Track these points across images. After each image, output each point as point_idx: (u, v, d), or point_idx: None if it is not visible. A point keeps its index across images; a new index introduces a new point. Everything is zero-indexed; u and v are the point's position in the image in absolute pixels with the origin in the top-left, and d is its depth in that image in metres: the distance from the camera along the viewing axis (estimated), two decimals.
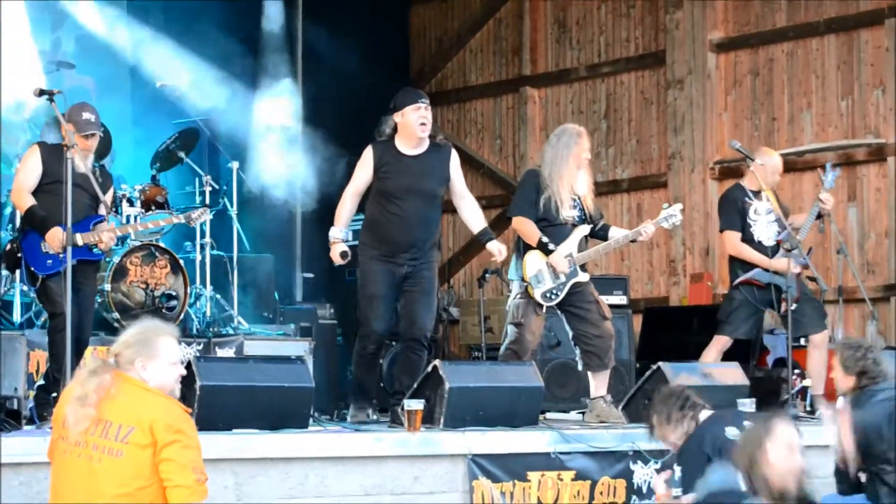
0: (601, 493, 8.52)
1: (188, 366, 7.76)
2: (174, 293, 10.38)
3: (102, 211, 8.83)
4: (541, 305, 9.41)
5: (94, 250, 8.74)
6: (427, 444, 8.03)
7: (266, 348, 10.08)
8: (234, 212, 11.18)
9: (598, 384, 9.54)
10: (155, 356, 5.42)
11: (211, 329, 10.67)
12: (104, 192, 8.82)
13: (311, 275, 13.76)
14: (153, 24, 13.06)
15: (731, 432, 6.45)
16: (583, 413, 9.86)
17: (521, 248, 9.53)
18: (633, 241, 9.71)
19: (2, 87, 11.20)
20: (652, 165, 14.29)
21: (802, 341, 10.40)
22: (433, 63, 16.18)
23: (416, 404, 8.17)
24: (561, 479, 8.38)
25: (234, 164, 11.36)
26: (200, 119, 11.69)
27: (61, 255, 8.44)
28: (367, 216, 9.20)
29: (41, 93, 8.44)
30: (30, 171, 8.61)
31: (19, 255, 8.64)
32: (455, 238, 15.74)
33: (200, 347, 9.85)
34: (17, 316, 9.98)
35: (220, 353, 9.87)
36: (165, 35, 13.05)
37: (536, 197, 9.42)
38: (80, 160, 8.54)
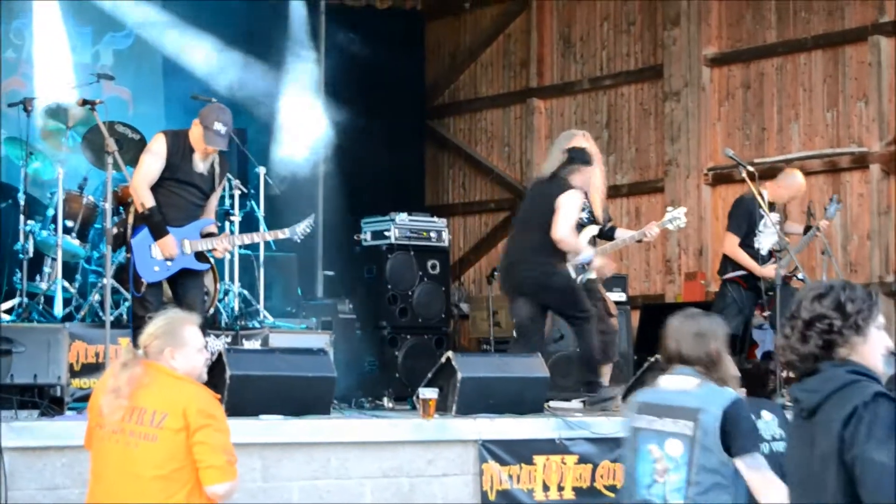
0: (602, 476, 8.54)
1: (219, 357, 7.81)
2: (205, 289, 10.40)
3: (209, 215, 8.69)
4: None
5: (204, 257, 8.62)
6: (440, 430, 8.07)
7: (290, 341, 10.06)
8: (261, 213, 11.19)
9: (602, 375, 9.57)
10: (182, 345, 5.38)
11: (239, 322, 10.68)
12: (220, 183, 8.65)
13: (331, 272, 13.78)
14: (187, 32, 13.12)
15: None
16: (584, 402, 9.88)
17: None
18: (639, 241, 9.75)
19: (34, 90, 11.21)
20: (650, 172, 14.30)
21: None
22: (447, 75, 16.20)
23: (431, 393, 8.21)
24: (564, 463, 8.41)
25: (262, 170, 11.36)
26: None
27: (169, 263, 8.41)
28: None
29: (84, 102, 8.43)
30: (153, 162, 8.33)
31: (128, 244, 8.47)
32: (465, 238, 15.78)
33: (229, 340, 9.86)
34: (58, 309, 10.01)
35: (248, 345, 9.85)
36: (194, 46, 13.12)
37: None
38: (200, 160, 8.46)
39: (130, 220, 8.53)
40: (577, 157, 9.55)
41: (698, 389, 5.16)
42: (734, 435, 5.01)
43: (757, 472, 4.99)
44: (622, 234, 9.71)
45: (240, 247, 11.02)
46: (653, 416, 5.21)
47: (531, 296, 9.39)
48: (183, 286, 8.57)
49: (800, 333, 3.94)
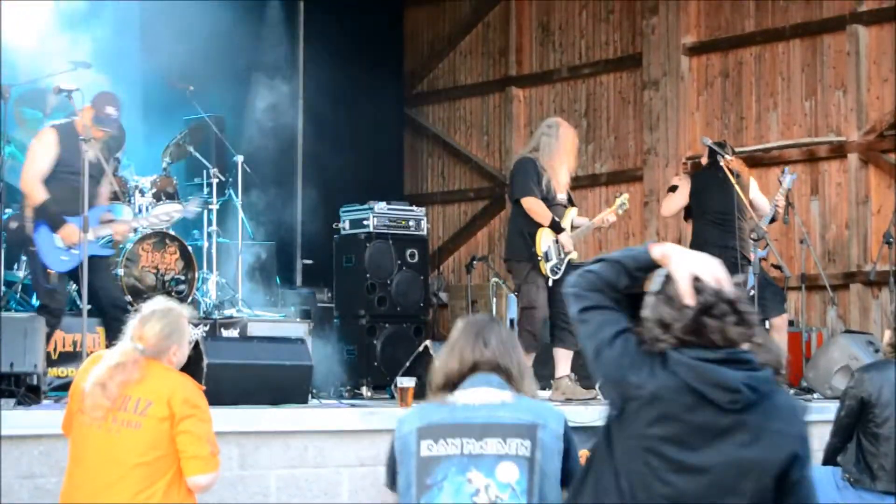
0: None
1: (196, 345, 7.82)
2: (183, 278, 10.42)
3: (103, 201, 8.70)
4: (546, 281, 9.42)
5: (103, 243, 8.67)
6: None
7: (268, 329, 10.09)
8: (239, 202, 11.19)
9: (564, 364, 9.57)
10: (183, 338, 5.42)
11: (217, 311, 10.70)
12: (109, 165, 8.69)
13: (310, 261, 13.78)
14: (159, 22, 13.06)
15: None
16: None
17: (522, 230, 9.52)
18: (598, 228, 10.03)
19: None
20: (629, 161, 14.34)
21: (766, 325, 10.47)
22: (425, 63, 16.19)
23: (408, 381, 8.22)
24: None
25: (240, 158, 11.36)
26: (208, 116, 11.70)
27: (74, 250, 8.39)
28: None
29: (60, 90, 8.42)
30: (44, 156, 8.37)
31: (29, 238, 8.44)
32: (444, 227, 15.80)
33: (207, 328, 9.87)
34: (35, 298, 10.00)
35: (226, 333, 9.88)
36: (172, 33, 13.06)
37: (538, 180, 9.48)
38: (92, 148, 8.43)
39: (28, 213, 8.51)
40: (726, 147, 10.60)
41: (519, 401, 4.37)
42: (567, 457, 4.40)
43: None
44: (582, 221, 9.86)
45: (218, 235, 11.05)
46: (463, 437, 4.30)
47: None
48: (91, 272, 8.55)
49: (735, 314, 3.55)
